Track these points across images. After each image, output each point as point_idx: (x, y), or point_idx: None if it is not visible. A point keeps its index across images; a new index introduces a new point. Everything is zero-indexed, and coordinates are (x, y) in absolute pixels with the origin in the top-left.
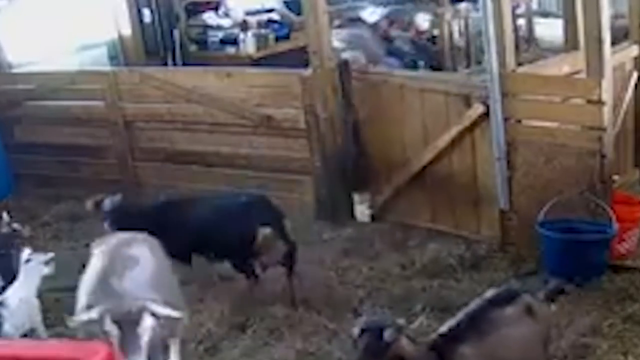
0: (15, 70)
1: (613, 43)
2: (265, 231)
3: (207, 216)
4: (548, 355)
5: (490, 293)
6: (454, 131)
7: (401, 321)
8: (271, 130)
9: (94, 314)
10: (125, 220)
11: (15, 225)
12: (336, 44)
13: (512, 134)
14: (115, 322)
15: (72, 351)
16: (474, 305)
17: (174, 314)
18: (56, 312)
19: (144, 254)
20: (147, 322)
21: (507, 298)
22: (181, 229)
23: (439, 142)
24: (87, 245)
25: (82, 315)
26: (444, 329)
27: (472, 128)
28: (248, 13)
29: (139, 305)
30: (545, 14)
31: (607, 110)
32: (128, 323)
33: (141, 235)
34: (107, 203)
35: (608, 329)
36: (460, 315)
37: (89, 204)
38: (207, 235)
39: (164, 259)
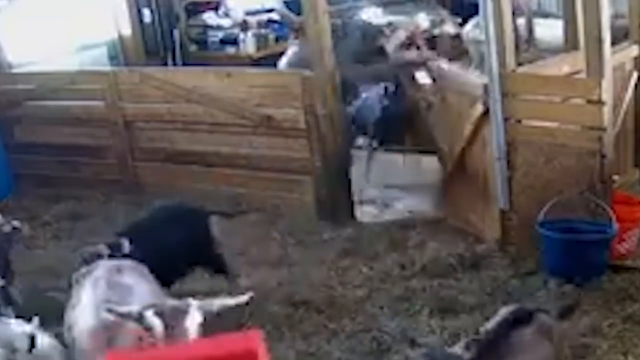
0: (15, 70)
1: (613, 43)
2: (215, 219)
3: (175, 231)
4: None
5: (504, 312)
6: (468, 129)
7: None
8: (271, 130)
9: (133, 308)
10: None
11: (15, 223)
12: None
13: (512, 134)
14: (159, 315)
15: (234, 344)
16: (490, 326)
17: (230, 301)
18: (56, 311)
19: (137, 280)
20: (196, 316)
21: (523, 318)
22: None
23: (461, 138)
24: (88, 245)
25: (121, 308)
26: (458, 352)
27: (481, 126)
28: (248, 13)
29: (185, 301)
30: (545, 15)
31: (607, 110)
32: (174, 317)
33: (128, 262)
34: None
35: (608, 329)
36: (476, 336)
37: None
38: (185, 249)
39: (154, 282)
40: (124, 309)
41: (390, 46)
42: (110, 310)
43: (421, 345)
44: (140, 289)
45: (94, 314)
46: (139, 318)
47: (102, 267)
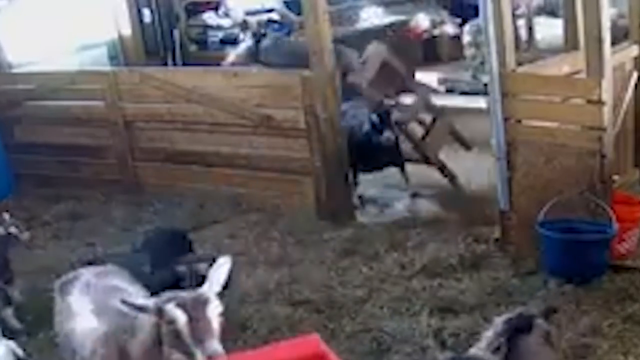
0: (15, 70)
1: (614, 43)
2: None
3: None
4: None
5: (504, 321)
6: None
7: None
8: (271, 130)
9: (150, 302)
10: None
11: (13, 230)
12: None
13: (512, 134)
14: (181, 306)
15: (300, 349)
16: (494, 339)
17: (224, 269)
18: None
19: (127, 283)
20: (217, 304)
21: (524, 327)
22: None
23: None
24: (88, 245)
25: (138, 300)
26: (480, 354)
27: None
28: (248, 13)
29: (203, 290)
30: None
31: (607, 110)
32: (196, 308)
33: (109, 267)
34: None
35: (608, 329)
36: (482, 347)
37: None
38: None
39: (138, 283)
40: (141, 301)
41: (363, 83)
42: (125, 302)
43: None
44: (133, 290)
45: (98, 319)
46: (159, 311)
47: (89, 272)
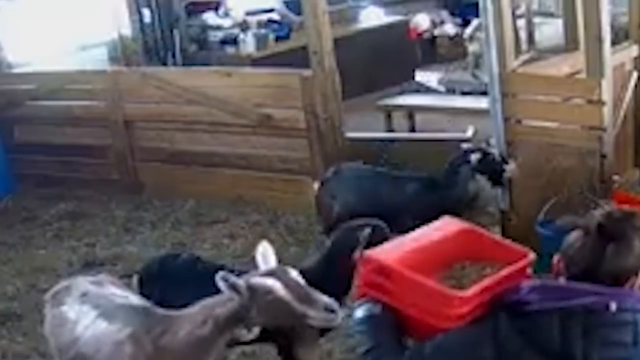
0: (15, 70)
1: (614, 43)
2: None
3: None
4: None
5: None
6: None
7: None
8: (271, 130)
9: (240, 280)
10: None
11: None
12: None
13: (512, 134)
14: (272, 275)
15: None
16: None
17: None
18: None
19: (123, 291)
20: (294, 271)
21: None
22: None
23: None
24: (88, 245)
25: (233, 277)
26: None
27: None
28: (248, 13)
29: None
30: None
31: (607, 110)
32: (282, 274)
33: (102, 275)
34: None
35: None
36: None
37: None
38: None
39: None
40: (235, 278)
41: None
42: (224, 278)
43: None
44: (133, 297)
45: (109, 322)
46: (250, 287)
47: (82, 282)
